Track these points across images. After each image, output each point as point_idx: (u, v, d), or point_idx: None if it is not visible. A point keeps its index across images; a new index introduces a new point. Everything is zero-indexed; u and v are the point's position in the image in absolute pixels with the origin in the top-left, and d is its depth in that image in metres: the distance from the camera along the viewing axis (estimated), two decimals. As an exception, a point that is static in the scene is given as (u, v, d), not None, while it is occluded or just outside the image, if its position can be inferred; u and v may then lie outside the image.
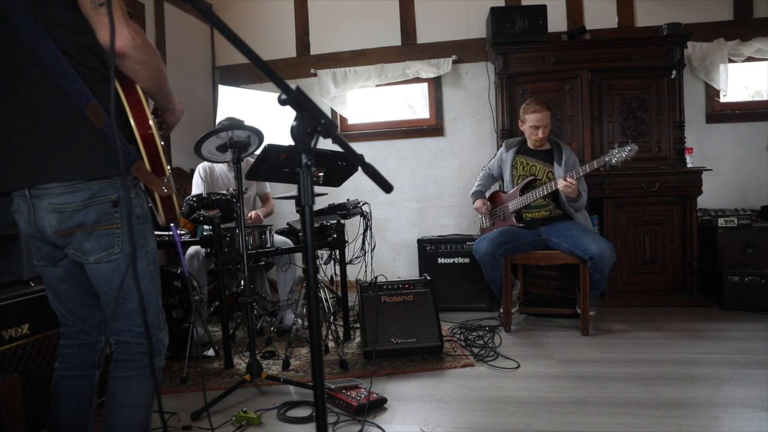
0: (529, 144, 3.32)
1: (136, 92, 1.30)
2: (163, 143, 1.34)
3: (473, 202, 3.49)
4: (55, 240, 1.33)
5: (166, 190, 1.33)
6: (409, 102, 4.87)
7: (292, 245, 3.23)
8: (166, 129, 1.50)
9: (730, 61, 4.04)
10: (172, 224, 1.43)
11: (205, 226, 3.03)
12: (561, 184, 3.01)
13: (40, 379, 1.89)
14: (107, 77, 1.31)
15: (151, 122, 1.30)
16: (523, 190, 3.26)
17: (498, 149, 3.64)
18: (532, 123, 3.22)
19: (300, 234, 3.37)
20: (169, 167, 1.36)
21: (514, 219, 3.29)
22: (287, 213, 4.50)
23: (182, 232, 2.98)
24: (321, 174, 2.47)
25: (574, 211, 3.19)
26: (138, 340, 1.39)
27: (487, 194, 3.54)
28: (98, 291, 1.39)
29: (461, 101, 4.51)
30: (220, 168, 3.51)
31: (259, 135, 2.40)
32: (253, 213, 3.37)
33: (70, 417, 1.48)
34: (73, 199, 1.27)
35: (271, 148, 2.25)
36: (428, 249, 3.82)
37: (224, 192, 2.83)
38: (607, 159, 2.97)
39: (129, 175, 1.30)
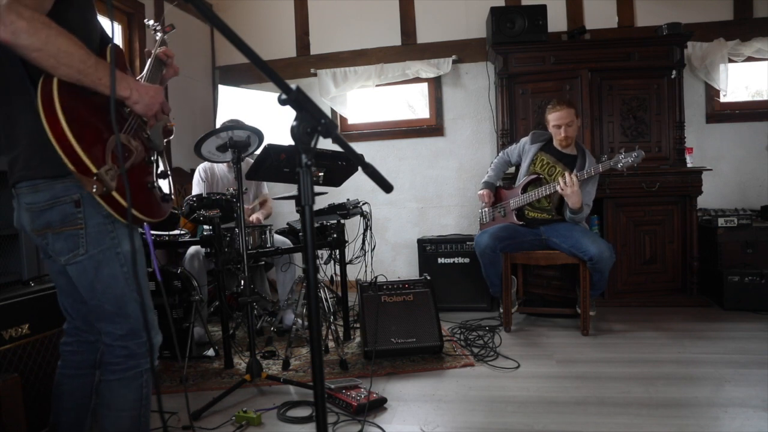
0: (555, 144, 3.27)
1: (50, 83, 1.18)
2: (82, 142, 1.19)
3: (480, 189, 3.46)
4: (34, 239, 1.37)
5: (96, 189, 1.20)
6: (409, 102, 4.87)
7: (292, 245, 3.23)
8: (147, 121, 1.42)
9: (730, 61, 4.04)
10: (145, 224, 1.38)
11: (205, 226, 3.03)
12: (561, 182, 2.99)
13: (40, 379, 1.89)
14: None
15: (61, 120, 1.17)
16: (525, 188, 3.26)
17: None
18: (554, 122, 3.19)
19: (300, 234, 3.36)
20: (105, 165, 1.22)
21: (514, 216, 3.28)
22: (287, 213, 4.50)
23: (182, 231, 2.97)
24: (321, 174, 2.48)
25: (573, 222, 3.15)
26: (119, 343, 1.37)
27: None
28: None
29: (461, 101, 4.51)
30: (221, 168, 3.51)
31: (259, 135, 2.40)
32: (253, 217, 3.33)
33: (69, 416, 1.49)
34: (38, 199, 1.28)
35: (271, 148, 2.25)
36: (428, 249, 3.82)
37: (224, 192, 2.83)
38: (612, 164, 2.96)
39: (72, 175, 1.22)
